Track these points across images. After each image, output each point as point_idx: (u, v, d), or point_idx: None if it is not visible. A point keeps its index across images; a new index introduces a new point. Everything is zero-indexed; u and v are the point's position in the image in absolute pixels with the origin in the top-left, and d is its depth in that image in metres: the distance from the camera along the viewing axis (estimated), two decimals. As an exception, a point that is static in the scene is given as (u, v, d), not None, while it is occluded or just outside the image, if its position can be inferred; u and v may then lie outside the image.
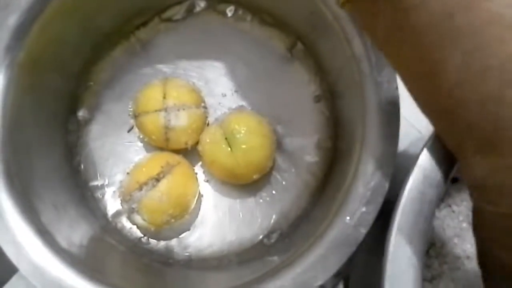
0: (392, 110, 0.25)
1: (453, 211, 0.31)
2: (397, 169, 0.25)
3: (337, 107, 0.35)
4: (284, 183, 0.36)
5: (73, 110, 0.37)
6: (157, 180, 0.32)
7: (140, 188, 0.32)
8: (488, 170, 0.19)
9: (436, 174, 0.22)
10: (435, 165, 0.22)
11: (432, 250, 0.31)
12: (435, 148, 0.22)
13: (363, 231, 0.25)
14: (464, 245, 0.33)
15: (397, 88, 0.26)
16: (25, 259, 0.26)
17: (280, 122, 0.37)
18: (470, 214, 0.33)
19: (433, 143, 0.22)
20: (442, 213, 0.31)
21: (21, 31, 0.29)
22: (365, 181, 0.25)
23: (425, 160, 0.22)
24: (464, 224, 0.32)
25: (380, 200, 0.25)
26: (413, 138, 0.38)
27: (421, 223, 0.21)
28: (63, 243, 0.28)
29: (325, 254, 0.25)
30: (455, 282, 0.33)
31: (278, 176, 0.36)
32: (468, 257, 0.33)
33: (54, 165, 0.34)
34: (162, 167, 0.32)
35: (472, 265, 0.33)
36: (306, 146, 0.36)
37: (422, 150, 0.22)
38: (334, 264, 0.24)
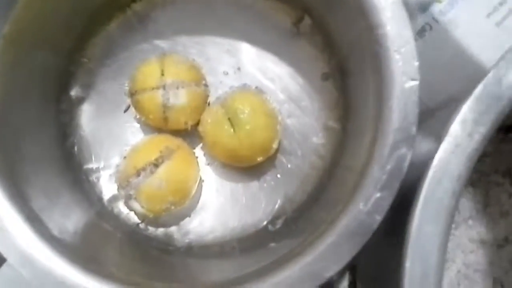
0: (411, 88, 0.23)
1: (469, 192, 0.30)
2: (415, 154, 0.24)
3: (347, 85, 0.33)
4: (289, 166, 0.34)
5: (65, 89, 0.35)
6: (156, 165, 0.30)
7: (138, 174, 0.30)
8: None
9: (469, 144, 0.20)
10: (467, 136, 0.20)
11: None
12: (468, 117, 0.20)
13: (378, 218, 0.23)
14: (479, 228, 0.31)
15: (417, 64, 0.24)
16: (13, 248, 0.24)
17: (285, 101, 0.35)
18: (487, 196, 0.31)
19: (466, 112, 0.20)
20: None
21: (4, 2, 0.27)
22: (381, 165, 0.23)
23: (456, 129, 0.20)
24: (481, 207, 0.31)
25: (396, 185, 0.23)
26: (424, 117, 0.36)
27: (448, 200, 0.19)
28: (55, 230, 0.26)
29: (337, 242, 0.23)
30: (467, 266, 0.31)
31: (283, 159, 0.34)
32: (482, 241, 0.31)
33: (45, 147, 0.32)
34: (161, 151, 0.30)
35: (486, 250, 0.32)
36: (313, 127, 0.34)
37: (452, 120, 0.20)
38: (347, 253, 0.23)
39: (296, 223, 0.32)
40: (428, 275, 0.19)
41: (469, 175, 0.20)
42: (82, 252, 0.27)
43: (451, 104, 0.35)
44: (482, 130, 0.20)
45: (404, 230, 0.21)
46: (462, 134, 0.20)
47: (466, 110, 0.20)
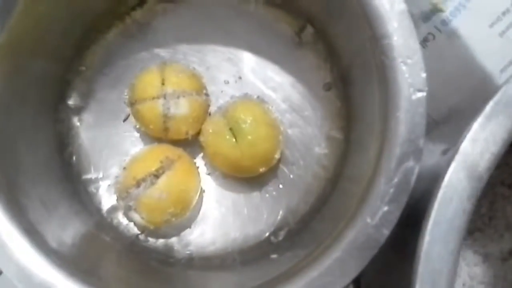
0: (419, 99, 0.23)
1: (475, 205, 0.29)
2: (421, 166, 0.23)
3: (350, 95, 0.33)
4: (291, 176, 0.34)
5: (63, 98, 0.34)
6: (156, 176, 0.30)
7: (138, 185, 0.29)
8: None
9: (480, 163, 0.19)
10: (479, 155, 0.19)
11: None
12: (480, 136, 0.20)
13: (386, 232, 0.22)
14: (484, 241, 0.31)
15: (424, 74, 0.23)
16: (10, 261, 0.23)
17: (287, 111, 0.34)
18: (492, 208, 0.31)
19: (477, 130, 0.20)
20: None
21: (2, 10, 0.26)
22: (388, 177, 0.22)
23: (467, 147, 0.19)
24: (486, 219, 0.30)
25: (404, 199, 0.22)
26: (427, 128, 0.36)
27: (458, 219, 0.19)
28: (53, 243, 0.26)
29: (344, 257, 0.22)
30: (472, 279, 0.31)
31: (285, 169, 0.34)
32: (487, 254, 0.31)
33: (43, 157, 0.31)
34: (161, 162, 0.30)
35: (491, 262, 0.31)
36: (316, 137, 0.34)
37: (464, 137, 0.20)
38: (354, 268, 0.22)
39: (299, 235, 0.32)
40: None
41: (480, 194, 0.19)
42: (80, 265, 0.26)
43: (455, 115, 0.34)
44: (494, 149, 0.19)
45: (411, 244, 0.21)
46: (473, 153, 0.19)
47: (477, 128, 0.20)
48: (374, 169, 0.23)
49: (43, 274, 0.24)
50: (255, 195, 0.34)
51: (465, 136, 0.20)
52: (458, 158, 0.19)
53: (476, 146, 0.20)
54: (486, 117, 0.20)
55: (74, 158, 0.34)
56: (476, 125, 0.20)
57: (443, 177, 0.19)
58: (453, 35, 0.35)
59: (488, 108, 0.20)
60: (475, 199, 0.19)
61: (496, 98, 0.20)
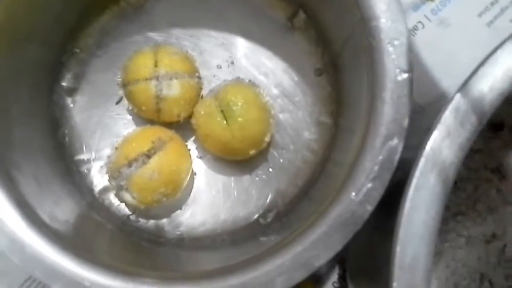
0: (405, 80, 0.24)
1: (459, 188, 0.30)
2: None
3: (340, 81, 0.33)
4: (281, 160, 0.34)
5: (57, 79, 0.35)
6: (148, 156, 0.30)
7: (130, 165, 0.30)
8: None
9: (460, 133, 0.20)
10: (459, 125, 0.20)
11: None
12: (461, 106, 0.20)
13: (369, 208, 0.23)
14: (467, 224, 0.32)
15: (410, 56, 0.24)
16: (2, 233, 0.24)
17: (278, 96, 0.35)
18: (476, 192, 0.31)
19: (459, 101, 0.21)
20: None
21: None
22: (372, 156, 0.23)
23: (449, 117, 0.20)
24: (470, 203, 0.31)
25: (388, 176, 0.23)
26: (415, 114, 0.36)
27: (440, 186, 0.19)
28: (45, 217, 0.26)
29: (328, 232, 0.23)
30: (455, 261, 0.32)
31: (276, 153, 0.34)
32: (470, 236, 0.32)
33: (37, 136, 0.32)
34: (153, 142, 0.30)
35: (474, 245, 0.32)
36: (306, 122, 0.34)
37: (445, 108, 0.20)
38: (338, 242, 0.23)
39: (287, 217, 0.32)
40: (418, 260, 0.19)
41: (460, 164, 0.20)
42: (73, 240, 0.27)
43: (442, 102, 0.35)
44: (474, 120, 0.20)
45: (392, 223, 0.21)
46: (454, 123, 0.20)
47: (458, 99, 0.20)
48: (359, 148, 0.24)
49: (36, 246, 0.24)
50: (246, 178, 0.34)
51: (447, 106, 0.20)
52: (439, 127, 0.20)
53: (457, 116, 0.20)
54: (468, 89, 0.20)
55: (67, 138, 0.34)
56: (458, 96, 0.20)
57: (424, 146, 0.20)
58: (442, 24, 0.36)
59: (470, 81, 0.21)
60: (456, 168, 0.20)
61: (478, 72, 0.21)
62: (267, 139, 0.32)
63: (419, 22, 0.36)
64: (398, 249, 0.19)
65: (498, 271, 0.32)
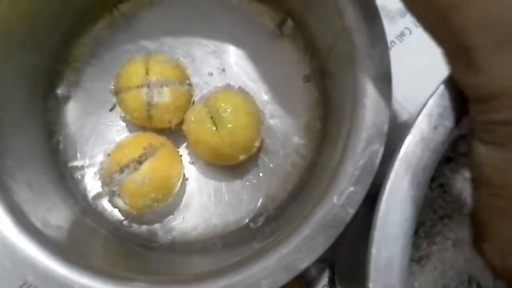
0: (384, 86, 0.24)
1: (445, 192, 0.30)
2: (385, 150, 0.24)
3: (327, 87, 0.34)
4: (271, 165, 0.35)
5: (52, 87, 0.35)
6: (139, 162, 0.31)
7: (121, 171, 0.30)
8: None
9: (434, 137, 0.21)
10: (433, 129, 0.21)
11: (421, 230, 0.30)
12: (434, 111, 0.21)
13: (351, 211, 0.23)
14: (455, 227, 0.32)
15: (389, 63, 0.25)
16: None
17: (268, 102, 0.35)
18: (463, 195, 0.32)
19: (432, 106, 0.21)
20: (434, 193, 0.30)
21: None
22: (354, 160, 0.24)
23: (423, 122, 0.21)
24: (456, 205, 0.31)
25: (369, 180, 0.24)
26: (403, 119, 0.37)
27: (413, 189, 0.20)
28: (38, 223, 0.27)
29: (311, 235, 0.24)
30: (443, 264, 0.32)
31: (266, 159, 0.35)
32: (457, 239, 0.32)
33: (31, 143, 0.32)
34: (144, 148, 0.31)
35: (461, 248, 0.32)
36: (295, 127, 0.35)
37: (420, 112, 0.21)
38: (321, 245, 0.23)
39: (276, 221, 0.33)
40: (394, 261, 0.19)
41: (434, 167, 0.20)
42: (65, 245, 0.27)
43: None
44: (447, 124, 0.21)
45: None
46: (428, 127, 0.21)
47: (432, 104, 0.21)
48: (342, 153, 0.25)
49: (28, 251, 0.25)
50: (237, 183, 0.35)
51: (421, 111, 0.21)
52: (413, 131, 0.21)
53: (431, 120, 0.21)
54: (441, 94, 0.21)
55: (61, 145, 0.35)
56: (431, 102, 0.21)
57: (399, 150, 0.20)
58: (429, 30, 0.36)
59: (442, 86, 0.21)
60: (430, 172, 0.20)
61: (449, 77, 0.21)
62: (256, 144, 0.33)
63: (406, 28, 0.37)
64: (373, 250, 0.19)
65: (486, 273, 0.32)
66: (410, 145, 0.20)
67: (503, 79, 0.18)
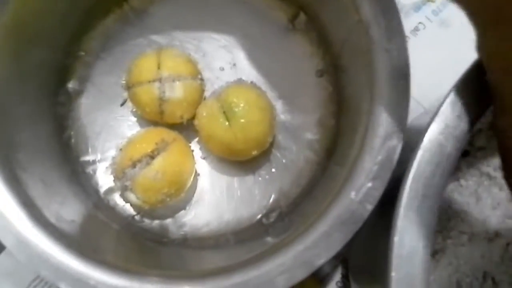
0: (402, 80, 0.24)
1: (461, 186, 0.30)
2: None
3: (341, 82, 0.34)
4: (284, 160, 0.34)
5: (62, 82, 0.35)
6: (152, 157, 0.30)
7: (134, 165, 0.30)
8: None
9: (458, 125, 0.20)
10: (456, 117, 0.20)
11: (437, 224, 0.30)
12: (458, 100, 0.21)
13: (369, 207, 0.23)
14: (471, 222, 0.32)
15: (407, 57, 0.24)
16: (8, 232, 0.24)
17: (280, 97, 0.35)
18: (479, 190, 0.31)
19: (456, 94, 0.21)
20: (450, 187, 0.30)
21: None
22: (372, 155, 0.23)
23: (446, 110, 0.21)
24: (472, 200, 0.31)
25: (387, 175, 0.23)
26: (417, 114, 0.37)
27: (437, 177, 0.20)
28: (52, 218, 0.27)
29: (329, 231, 0.23)
30: (458, 259, 0.32)
31: (278, 154, 0.35)
32: (473, 234, 0.32)
33: (43, 139, 0.32)
34: (156, 143, 0.31)
35: (477, 243, 0.32)
36: (308, 122, 0.35)
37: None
38: (339, 241, 0.23)
39: (289, 217, 0.33)
40: (417, 249, 0.19)
41: (458, 156, 0.20)
42: (78, 239, 0.27)
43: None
44: (471, 113, 0.20)
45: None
46: (452, 115, 0.20)
47: (456, 92, 0.21)
48: (359, 148, 0.24)
49: (42, 246, 0.25)
50: (249, 178, 0.34)
51: (445, 99, 0.21)
52: (437, 120, 0.20)
53: (455, 108, 0.21)
54: (466, 81, 0.21)
55: (72, 140, 0.35)
56: (456, 89, 0.21)
57: (422, 138, 0.20)
58: (443, 25, 0.36)
59: (468, 73, 0.21)
60: (454, 160, 0.20)
61: (475, 64, 0.21)
62: (269, 139, 0.32)
63: (420, 23, 0.36)
64: (396, 238, 0.19)
65: (501, 269, 0.32)
66: (433, 134, 0.20)
67: None
